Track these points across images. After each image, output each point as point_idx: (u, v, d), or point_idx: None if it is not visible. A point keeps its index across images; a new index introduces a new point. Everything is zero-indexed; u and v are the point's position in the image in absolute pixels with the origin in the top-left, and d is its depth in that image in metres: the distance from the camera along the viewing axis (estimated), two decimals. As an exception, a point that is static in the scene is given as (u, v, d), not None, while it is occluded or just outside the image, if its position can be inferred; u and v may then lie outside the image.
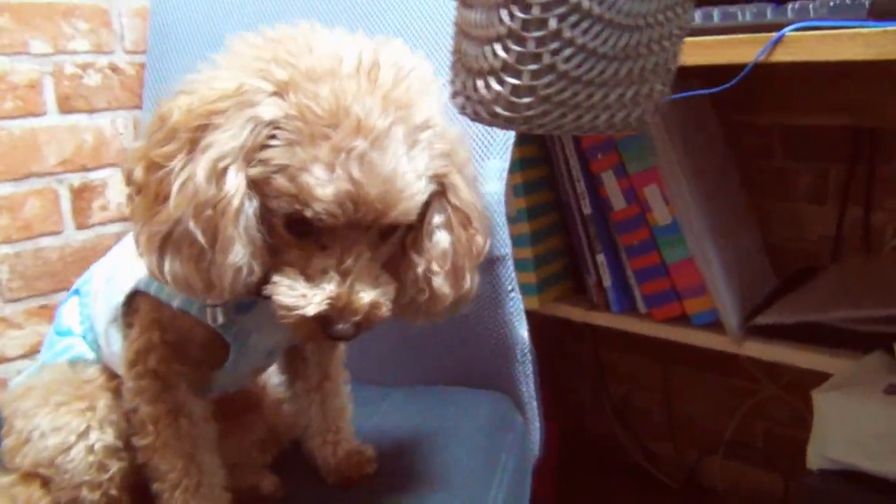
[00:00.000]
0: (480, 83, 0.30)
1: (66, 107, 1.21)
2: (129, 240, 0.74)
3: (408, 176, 0.57)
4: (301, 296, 0.57)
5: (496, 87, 0.30)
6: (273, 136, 0.55)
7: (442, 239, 0.64)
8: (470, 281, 0.66)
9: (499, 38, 0.29)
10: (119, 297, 0.68)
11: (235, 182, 0.54)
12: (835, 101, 1.19)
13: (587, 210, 1.22)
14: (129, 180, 0.58)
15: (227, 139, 0.54)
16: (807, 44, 0.77)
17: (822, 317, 1.11)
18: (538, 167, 1.28)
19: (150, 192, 0.56)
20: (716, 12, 0.88)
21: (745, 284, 1.22)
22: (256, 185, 0.56)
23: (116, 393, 0.72)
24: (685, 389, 1.68)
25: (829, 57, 0.75)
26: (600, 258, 1.24)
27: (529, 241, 1.27)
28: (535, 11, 0.27)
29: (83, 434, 0.71)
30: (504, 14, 0.29)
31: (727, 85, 0.86)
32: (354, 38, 0.60)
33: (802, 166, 1.36)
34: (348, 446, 0.81)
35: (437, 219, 0.64)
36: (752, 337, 1.14)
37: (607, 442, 1.78)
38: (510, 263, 0.92)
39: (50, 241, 1.22)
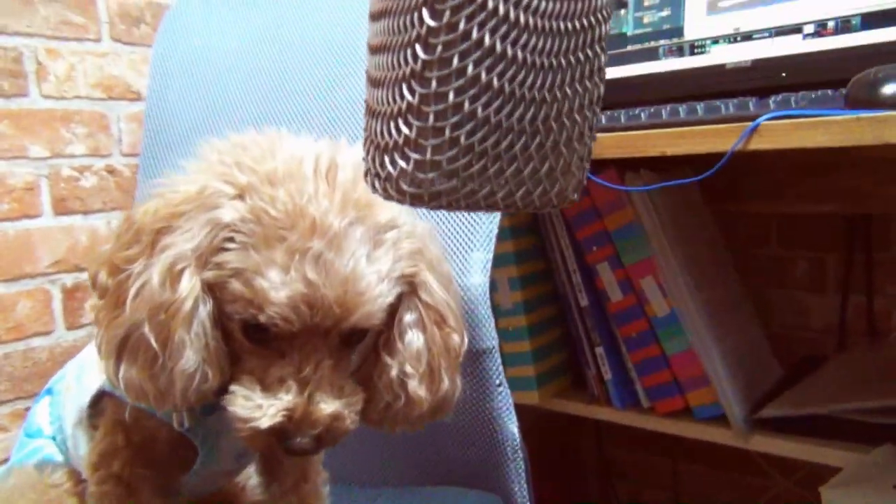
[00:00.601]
0: (387, 159, 0.30)
1: (61, 208, 1.23)
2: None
3: (368, 277, 0.55)
4: (256, 406, 0.55)
5: (401, 162, 0.30)
6: (230, 239, 0.55)
7: (414, 339, 0.62)
8: (449, 382, 0.64)
9: (400, 114, 0.29)
10: (86, 398, 0.67)
11: (188, 285, 0.54)
12: (825, 188, 1.19)
13: (584, 302, 1.21)
14: (94, 283, 0.58)
15: (183, 241, 0.54)
16: (782, 132, 0.77)
17: (828, 409, 1.08)
18: (535, 260, 1.27)
19: (112, 295, 0.56)
20: (700, 106, 0.89)
21: (748, 375, 1.19)
22: (213, 290, 0.55)
23: (83, 498, 0.70)
24: (695, 486, 1.62)
25: (805, 144, 0.75)
26: (599, 351, 1.22)
27: (527, 335, 1.25)
28: (433, 86, 0.27)
29: (46, 544, 0.68)
30: (405, 89, 0.29)
31: (709, 172, 0.86)
32: (318, 143, 0.60)
33: (799, 254, 1.36)
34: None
35: (409, 318, 0.62)
36: (758, 430, 1.11)
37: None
38: (497, 356, 0.90)
39: (40, 341, 1.21)
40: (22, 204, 1.18)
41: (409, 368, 0.61)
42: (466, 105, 0.27)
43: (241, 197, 0.56)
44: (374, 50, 0.31)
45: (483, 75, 0.27)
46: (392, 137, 0.29)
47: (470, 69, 0.27)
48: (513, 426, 0.90)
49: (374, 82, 0.31)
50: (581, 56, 0.30)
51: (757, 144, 0.78)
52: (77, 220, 1.25)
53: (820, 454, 1.06)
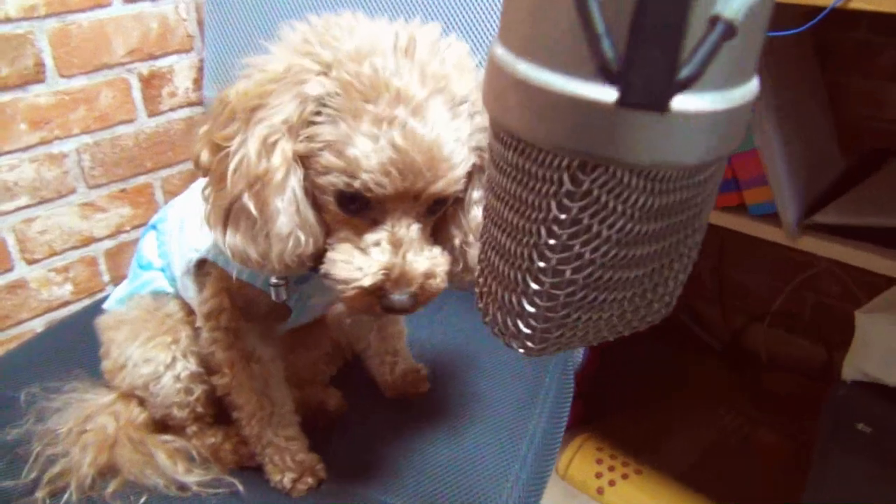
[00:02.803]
0: (509, 321, 0.32)
1: (129, -5, 1.22)
2: (197, 186, 0.80)
3: (451, 143, 0.57)
4: (356, 268, 0.59)
5: (525, 329, 0.32)
6: (318, 113, 0.57)
7: (479, 214, 0.65)
8: None
9: (527, 290, 0.31)
10: (191, 256, 0.74)
11: (281, 155, 0.57)
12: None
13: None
14: (196, 163, 0.62)
15: (274, 115, 0.57)
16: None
17: (882, 221, 1.09)
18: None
19: (215, 172, 0.60)
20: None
21: (808, 176, 1.20)
22: (305, 164, 0.59)
23: (194, 326, 0.80)
24: (739, 257, 1.69)
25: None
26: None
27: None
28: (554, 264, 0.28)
29: (170, 365, 0.80)
30: (530, 275, 0.30)
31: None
32: (393, 23, 0.60)
33: (888, 41, 1.29)
34: (405, 366, 0.89)
35: (476, 194, 0.65)
36: (808, 233, 1.14)
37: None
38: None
39: (125, 129, 1.27)
40: (91, -8, 1.17)
41: (471, 239, 0.66)
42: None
43: (325, 73, 0.57)
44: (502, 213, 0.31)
45: (589, 255, 0.29)
46: (516, 307, 0.31)
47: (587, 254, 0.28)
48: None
49: (498, 243, 0.31)
50: (686, 233, 0.30)
51: None
52: (146, 7, 1.24)
53: (867, 260, 1.09)
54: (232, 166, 0.58)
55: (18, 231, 1.19)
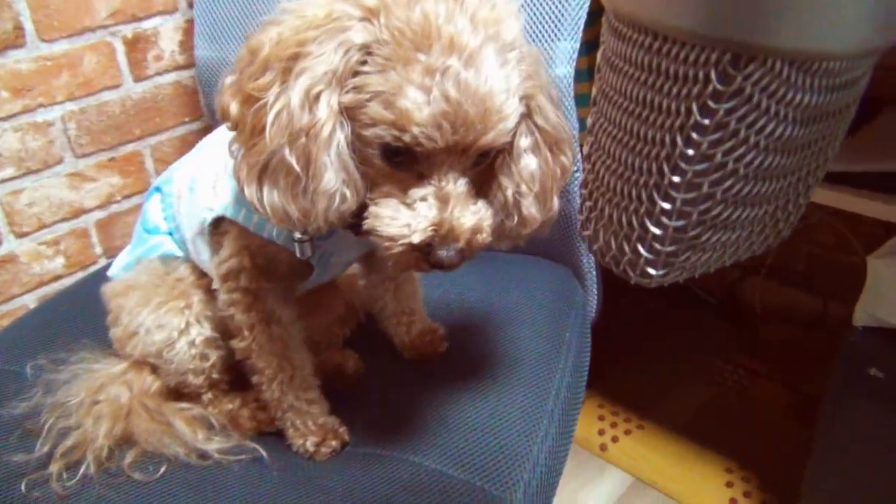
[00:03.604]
0: (639, 247, 0.29)
1: (110, -48, 1.17)
2: (206, 145, 0.76)
3: (503, 94, 0.55)
4: (404, 224, 0.57)
5: (656, 245, 0.29)
6: (364, 63, 0.54)
7: (530, 162, 0.63)
8: (557, 202, 0.66)
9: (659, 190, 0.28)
10: (205, 215, 0.71)
11: (327, 107, 0.54)
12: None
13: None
14: (225, 115, 0.58)
15: (318, 65, 0.54)
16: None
17: (879, 166, 1.08)
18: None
19: (246, 124, 0.56)
20: None
21: None
22: (350, 114, 0.56)
23: (208, 290, 0.78)
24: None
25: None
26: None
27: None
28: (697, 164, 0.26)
29: (184, 331, 0.77)
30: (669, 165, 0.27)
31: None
32: None
33: None
34: (421, 326, 0.87)
35: (525, 141, 0.62)
36: None
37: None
38: (576, 145, 0.91)
39: (111, 94, 1.23)
40: (70, -49, 1.12)
41: (524, 188, 0.63)
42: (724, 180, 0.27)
43: (369, 19, 0.54)
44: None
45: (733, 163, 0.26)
46: (641, 231, 0.29)
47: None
48: (586, 209, 0.95)
49: (627, 145, 0.29)
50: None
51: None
52: (128, -34, 1.19)
53: (870, 208, 1.07)
54: (270, 118, 0.54)
55: (5, 203, 1.15)
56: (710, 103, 0.26)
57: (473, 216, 0.58)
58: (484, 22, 0.54)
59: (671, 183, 0.28)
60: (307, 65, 0.54)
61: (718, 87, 0.26)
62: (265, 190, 0.57)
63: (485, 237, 0.59)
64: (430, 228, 0.57)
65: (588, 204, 0.33)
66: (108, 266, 0.87)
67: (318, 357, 0.84)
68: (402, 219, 0.57)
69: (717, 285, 1.80)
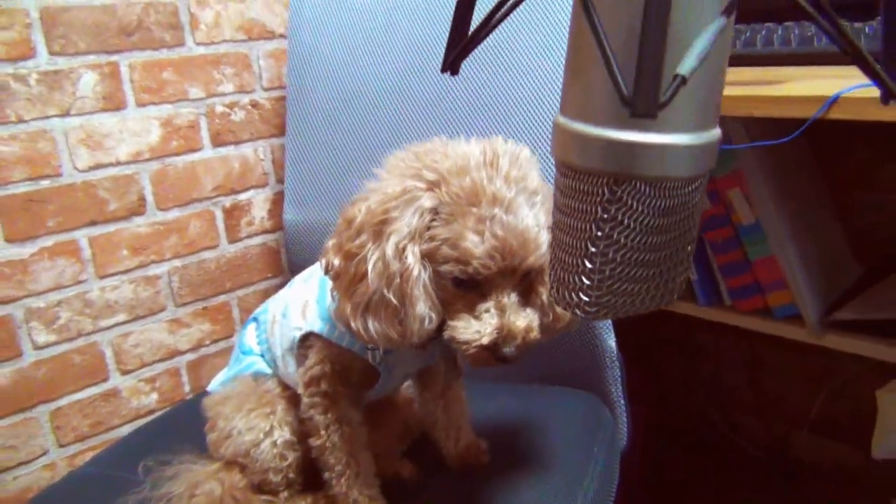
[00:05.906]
0: (573, 295, 0.48)
1: (217, 141, 1.44)
2: (296, 282, 0.96)
3: (535, 228, 0.74)
4: (475, 331, 0.74)
5: (584, 297, 0.48)
6: (434, 220, 0.74)
7: None
8: None
9: (583, 270, 0.47)
10: (295, 334, 0.89)
11: (413, 256, 0.73)
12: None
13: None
14: (328, 268, 0.78)
15: (403, 226, 0.73)
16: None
17: None
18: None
19: (347, 275, 0.76)
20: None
21: (826, 278, 1.29)
22: (428, 258, 0.75)
23: (290, 400, 0.94)
24: (771, 368, 1.76)
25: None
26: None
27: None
28: (602, 249, 0.44)
29: (268, 432, 0.93)
30: (586, 260, 0.47)
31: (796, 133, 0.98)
32: (471, 142, 0.78)
33: (887, 156, 1.39)
34: (467, 440, 1.01)
35: None
36: (832, 330, 1.22)
37: (695, 419, 1.89)
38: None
39: (209, 253, 1.46)
40: (187, 140, 1.39)
41: None
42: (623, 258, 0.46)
43: (433, 189, 0.74)
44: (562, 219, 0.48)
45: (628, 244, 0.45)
46: (577, 283, 0.47)
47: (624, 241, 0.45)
48: (611, 341, 1.10)
49: (559, 241, 0.48)
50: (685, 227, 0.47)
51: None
52: (230, 150, 1.46)
53: (892, 354, 1.14)
54: (370, 267, 0.74)
55: (115, 344, 1.35)
56: (607, 206, 0.45)
57: (525, 319, 0.75)
58: (515, 179, 0.75)
59: (591, 252, 0.47)
60: (395, 227, 0.74)
61: (609, 196, 0.45)
62: (369, 321, 0.75)
63: (535, 334, 0.76)
64: (495, 331, 0.74)
65: (551, 272, 0.51)
66: (196, 399, 1.04)
67: (379, 466, 0.97)
68: (473, 327, 0.75)
69: (762, 442, 1.82)
